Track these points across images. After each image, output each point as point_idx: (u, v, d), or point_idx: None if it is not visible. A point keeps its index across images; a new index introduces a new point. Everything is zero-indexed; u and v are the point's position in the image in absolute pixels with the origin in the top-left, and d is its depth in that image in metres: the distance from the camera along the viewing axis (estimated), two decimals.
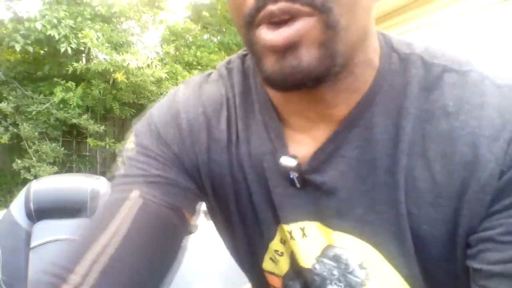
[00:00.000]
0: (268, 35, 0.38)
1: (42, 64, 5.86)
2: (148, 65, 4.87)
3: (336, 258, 0.49)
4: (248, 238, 0.56)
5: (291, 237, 0.51)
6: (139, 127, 0.56)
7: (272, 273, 0.58)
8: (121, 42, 5.31)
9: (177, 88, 0.58)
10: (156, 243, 0.48)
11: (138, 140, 0.53)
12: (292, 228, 0.51)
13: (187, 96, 0.55)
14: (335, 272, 0.50)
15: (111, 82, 5.23)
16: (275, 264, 0.57)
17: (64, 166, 5.66)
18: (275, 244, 0.55)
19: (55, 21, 4.52)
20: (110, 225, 0.46)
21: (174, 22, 7.86)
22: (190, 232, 0.54)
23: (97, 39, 4.61)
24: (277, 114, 0.51)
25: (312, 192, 0.49)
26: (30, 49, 4.68)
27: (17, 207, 1.46)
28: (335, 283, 0.50)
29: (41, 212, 1.45)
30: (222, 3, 8.48)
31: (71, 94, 4.98)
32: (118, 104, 5.54)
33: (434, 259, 0.45)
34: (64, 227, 1.46)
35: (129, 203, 0.47)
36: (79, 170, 5.91)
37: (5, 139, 4.69)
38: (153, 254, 0.47)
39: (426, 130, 0.44)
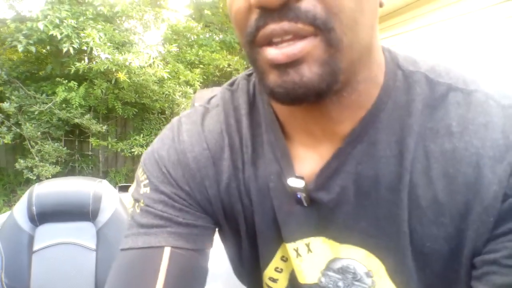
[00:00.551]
0: (271, 53, 0.39)
1: (44, 64, 5.88)
2: (150, 65, 4.87)
3: (342, 270, 0.50)
4: (253, 257, 0.58)
5: (298, 254, 0.52)
6: (150, 168, 0.56)
7: None
8: (123, 42, 5.31)
9: (179, 123, 0.58)
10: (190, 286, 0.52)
11: (152, 185, 0.54)
12: (298, 245, 0.52)
13: (190, 134, 0.56)
14: (340, 283, 0.51)
15: (113, 81, 5.23)
16: (274, 282, 0.58)
17: (66, 165, 5.68)
18: (276, 261, 0.56)
19: (57, 21, 4.52)
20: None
21: (175, 20, 7.87)
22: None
23: (99, 39, 4.61)
24: (283, 131, 0.51)
25: (318, 208, 0.50)
26: (33, 49, 4.68)
27: (19, 210, 1.46)
28: None
29: (43, 215, 1.46)
30: (224, 1, 8.47)
31: (73, 94, 4.99)
32: (120, 104, 5.54)
33: (438, 277, 0.46)
34: (67, 231, 1.47)
35: (164, 264, 0.50)
36: (81, 170, 5.93)
37: (8, 139, 4.70)
38: None
39: (430, 148, 0.44)
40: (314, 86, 0.38)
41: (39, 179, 4.95)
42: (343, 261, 0.50)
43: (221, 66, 6.75)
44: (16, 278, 1.40)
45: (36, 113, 4.99)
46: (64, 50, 4.57)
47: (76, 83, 5.10)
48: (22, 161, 4.82)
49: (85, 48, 4.65)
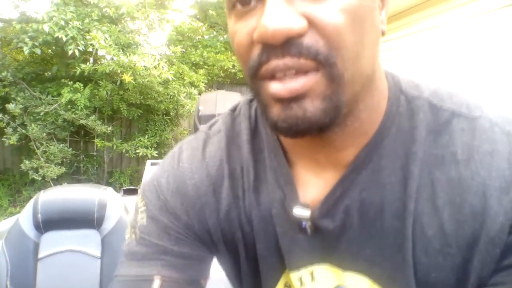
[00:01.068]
0: (273, 87, 0.39)
1: (50, 65, 5.90)
2: (155, 67, 4.87)
3: None
4: (253, 282, 0.57)
5: (302, 283, 0.51)
6: (148, 196, 0.55)
7: None
8: (129, 43, 5.33)
9: (180, 150, 0.58)
10: None
11: (149, 213, 0.54)
12: (302, 273, 0.51)
13: (191, 161, 0.55)
14: None
15: (118, 83, 5.24)
16: None
17: (71, 166, 5.70)
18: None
19: (62, 22, 4.53)
20: None
21: (180, 21, 7.87)
22: None
23: (104, 41, 4.62)
24: (287, 157, 0.51)
25: (322, 236, 0.49)
26: (38, 51, 4.70)
27: (25, 218, 1.47)
28: None
29: (49, 223, 1.46)
30: None
31: (78, 95, 5.00)
32: (125, 105, 5.55)
33: None
34: (72, 238, 1.47)
35: None
36: (86, 170, 5.95)
37: (13, 139, 4.73)
38: None
39: (435, 176, 0.44)
40: (317, 121, 0.39)
41: (44, 180, 4.97)
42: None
43: (225, 67, 6.75)
44: (21, 286, 1.41)
45: (41, 114, 5.01)
46: (70, 52, 4.58)
47: (82, 85, 5.12)
48: (27, 162, 4.85)
49: (91, 49, 4.66)
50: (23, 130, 4.89)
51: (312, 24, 0.37)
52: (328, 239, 0.49)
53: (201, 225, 0.53)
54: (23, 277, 1.42)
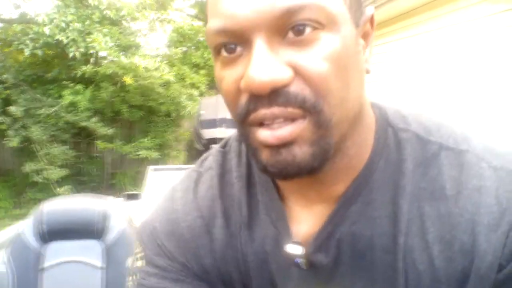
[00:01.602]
0: (262, 134, 0.39)
1: (51, 67, 5.91)
2: (156, 68, 4.88)
3: None
4: None
5: None
6: (145, 240, 0.55)
7: None
8: (129, 45, 5.33)
9: (174, 191, 0.57)
10: None
11: (147, 258, 0.54)
12: None
13: (183, 202, 0.55)
14: None
15: (119, 85, 5.25)
16: None
17: (73, 167, 5.71)
18: None
19: (63, 24, 4.54)
20: None
21: (181, 20, 7.86)
22: None
23: (105, 43, 4.63)
24: (279, 192, 0.51)
25: (316, 270, 0.49)
26: (39, 52, 4.71)
27: (28, 228, 1.48)
28: None
29: (52, 233, 1.47)
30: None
31: (80, 97, 5.01)
32: (127, 107, 5.56)
33: None
34: (75, 249, 1.48)
35: None
36: (88, 172, 5.96)
37: (15, 142, 4.74)
38: None
39: (425, 210, 0.44)
40: (306, 165, 0.40)
41: (46, 181, 4.99)
42: None
43: None
44: None
45: (43, 116, 5.03)
46: (71, 55, 4.59)
47: (83, 86, 5.13)
48: (31, 164, 4.86)
49: (92, 52, 4.67)
50: (25, 133, 4.91)
51: (298, 72, 0.38)
52: (322, 273, 0.49)
53: (198, 265, 0.53)
54: (27, 287, 1.43)
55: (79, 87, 5.10)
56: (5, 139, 4.85)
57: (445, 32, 3.26)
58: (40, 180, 4.88)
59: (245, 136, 0.42)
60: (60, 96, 5.16)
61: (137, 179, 6.06)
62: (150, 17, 5.81)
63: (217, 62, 0.42)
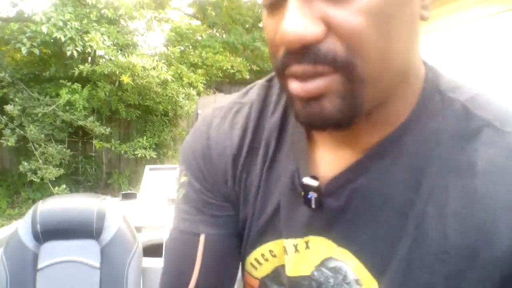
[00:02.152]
0: (293, 87, 0.40)
1: (48, 65, 5.88)
2: (153, 68, 4.86)
3: (335, 270, 0.51)
4: (244, 245, 0.62)
5: (296, 250, 0.54)
6: (185, 160, 0.62)
7: (250, 274, 0.63)
8: (127, 44, 5.31)
9: (212, 116, 0.62)
10: (225, 270, 0.61)
11: (187, 175, 0.61)
12: (298, 242, 0.53)
13: (218, 130, 0.59)
14: (331, 280, 0.51)
15: (116, 84, 5.23)
16: (255, 268, 0.61)
17: (70, 167, 5.69)
18: (263, 249, 0.59)
19: (60, 23, 4.52)
20: (194, 269, 0.57)
21: (179, 19, 7.84)
22: None
23: (103, 42, 4.61)
24: (309, 134, 0.53)
25: (324, 212, 0.50)
26: (36, 51, 4.68)
27: (24, 228, 1.47)
28: None
29: (48, 233, 1.46)
30: (227, 1, 8.44)
31: (77, 96, 4.99)
32: (124, 106, 5.54)
33: None
34: (71, 249, 1.47)
35: (201, 248, 0.57)
36: (85, 171, 5.94)
37: (11, 141, 4.71)
38: (225, 275, 0.61)
39: (451, 183, 0.43)
40: (333, 119, 0.40)
41: (42, 181, 4.96)
42: (337, 262, 0.50)
43: (224, 68, 6.74)
44: None
45: (39, 115, 5.01)
46: (68, 53, 4.57)
47: (80, 85, 5.11)
48: (25, 163, 4.84)
49: (89, 50, 4.65)
50: (21, 132, 4.88)
51: (331, 28, 0.37)
52: (329, 216, 0.50)
53: (225, 189, 0.58)
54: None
55: (76, 86, 5.07)
56: (1, 138, 4.82)
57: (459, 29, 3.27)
58: (36, 180, 4.86)
59: (283, 87, 0.44)
60: (57, 95, 5.13)
61: (134, 179, 6.05)
62: (147, 16, 5.79)
63: (264, 9, 0.43)
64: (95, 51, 4.68)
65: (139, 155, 5.42)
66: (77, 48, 4.57)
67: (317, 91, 0.39)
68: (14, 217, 5.00)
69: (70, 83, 5.10)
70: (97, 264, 1.46)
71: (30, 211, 1.49)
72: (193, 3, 8.75)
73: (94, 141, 5.51)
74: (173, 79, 5.32)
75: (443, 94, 0.46)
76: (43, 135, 5.00)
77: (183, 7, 8.98)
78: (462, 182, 0.42)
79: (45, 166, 4.90)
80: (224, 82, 7.88)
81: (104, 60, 5.22)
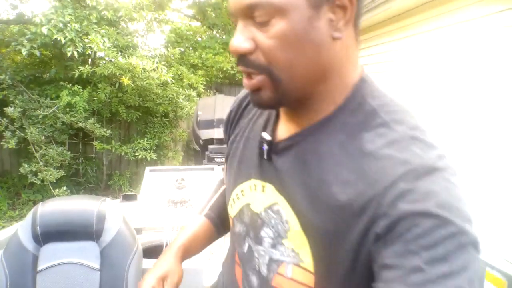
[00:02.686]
0: (244, 82, 0.64)
1: (48, 67, 5.89)
2: (154, 69, 4.86)
3: (277, 212, 0.68)
4: (228, 186, 0.85)
5: (255, 189, 0.74)
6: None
7: (230, 216, 0.85)
8: (127, 45, 5.31)
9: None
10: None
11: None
12: (257, 183, 0.73)
13: (241, 94, 0.90)
14: (272, 221, 0.69)
15: (117, 85, 5.23)
16: (231, 208, 0.82)
17: (70, 168, 5.69)
18: (239, 189, 0.79)
19: (61, 25, 4.52)
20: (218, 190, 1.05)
21: (179, 20, 7.84)
22: None
23: (103, 44, 4.61)
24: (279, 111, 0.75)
25: (272, 166, 0.70)
26: (37, 53, 4.68)
27: (24, 230, 1.46)
28: (269, 228, 0.69)
29: (47, 235, 1.46)
30: (227, 1, 8.43)
31: (77, 98, 4.99)
32: (124, 107, 5.54)
33: (323, 246, 0.61)
34: (71, 250, 1.47)
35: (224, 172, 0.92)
36: (85, 173, 5.94)
37: (12, 143, 4.71)
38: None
39: (347, 159, 0.59)
40: (267, 104, 0.63)
41: (43, 183, 4.96)
42: (279, 207, 0.67)
43: (224, 69, 6.74)
44: None
45: (40, 117, 5.01)
46: (68, 54, 4.57)
47: (80, 87, 5.11)
48: (26, 165, 4.84)
49: (89, 52, 4.65)
50: (22, 134, 4.88)
51: (257, 45, 0.58)
52: (274, 169, 0.69)
53: (229, 124, 0.89)
54: None
55: (76, 88, 5.07)
56: (2, 140, 4.82)
57: (439, 34, 3.26)
58: (37, 182, 4.86)
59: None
60: (58, 97, 5.13)
61: (134, 180, 6.05)
62: (147, 17, 5.79)
63: None
64: (95, 52, 4.68)
65: (140, 156, 5.42)
66: (77, 50, 4.57)
67: (255, 87, 0.61)
68: (15, 219, 5.00)
69: (70, 85, 5.10)
70: (97, 266, 1.46)
71: (30, 213, 1.49)
72: (193, 4, 8.75)
73: (95, 143, 5.52)
74: (173, 80, 5.32)
75: (364, 98, 0.63)
76: (43, 137, 5.00)
77: (183, 9, 8.98)
78: (355, 159, 0.58)
79: (46, 168, 4.89)
80: (224, 83, 7.88)
81: (104, 61, 5.21)
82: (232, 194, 0.80)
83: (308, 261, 0.63)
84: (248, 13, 0.57)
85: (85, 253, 1.47)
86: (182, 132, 6.50)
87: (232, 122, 0.86)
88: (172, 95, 5.52)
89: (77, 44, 4.55)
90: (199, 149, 5.27)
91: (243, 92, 0.87)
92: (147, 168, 2.48)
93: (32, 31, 4.54)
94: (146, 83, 4.96)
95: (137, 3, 5.37)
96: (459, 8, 3.07)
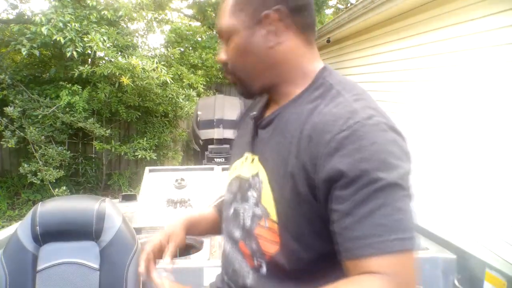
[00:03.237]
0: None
1: (48, 67, 5.89)
2: (154, 69, 4.86)
3: (258, 178, 0.82)
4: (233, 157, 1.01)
5: (245, 161, 0.90)
6: None
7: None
8: (127, 45, 5.31)
9: None
10: None
11: None
12: (248, 156, 0.89)
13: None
14: (257, 185, 0.82)
15: (116, 85, 5.23)
16: (231, 175, 0.98)
17: (70, 168, 5.69)
18: (233, 167, 0.96)
19: (61, 24, 4.52)
20: None
21: (178, 21, 7.83)
22: None
23: (102, 43, 4.61)
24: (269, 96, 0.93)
25: (257, 139, 0.88)
26: (36, 52, 4.68)
27: (23, 230, 1.46)
28: (254, 190, 0.83)
29: (47, 235, 1.46)
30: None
31: (77, 97, 4.99)
32: (124, 107, 5.54)
33: (282, 200, 0.76)
34: (70, 250, 1.47)
35: None
36: (85, 173, 5.94)
37: (11, 143, 4.71)
38: None
39: (311, 117, 0.74)
40: (243, 94, 0.88)
41: (43, 182, 4.96)
42: (260, 173, 0.82)
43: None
44: None
45: (39, 117, 5.01)
46: (68, 54, 4.57)
47: (80, 87, 5.10)
48: (26, 165, 4.83)
49: (89, 52, 4.65)
50: (22, 133, 4.88)
51: (226, 56, 0.85)
52: (259, 141, 0.87)
53: (238, 122, 1.08)
54: None
55: (76, 87, 5.07)
56: (1, 140, 4.82)
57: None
58: (37, 181, 4.86)
59: None
60: (57, 97, 5.14)
61: (134, 180, 6.05)
62: (147, 17, 5.80)
63: None
64: (95, 52, 4.68)
65: (139, 156, 5.42)
66: (77, 50, 4.57)
67: (233, 83, 0.89)
68: (14, 218, 5.00)
69: (70, 84, 5.10)
70: (97, 266, 1.45)
71: (30, 213, 1.48)
72: (193, 4, 8.75)
73: (94, 143, 5.52)
74: (173, 80, 5.32)
75: (325, 79, 0.80)
76: (43, 137, 5.00)
77: (183, 9, 8.98)
78: (312, 119, 0.73)
79: (45, 167, 4.89)
80: (224, 83, 7.88)
81: (104, 61, 5.21)
82: (228, 175, 0.98)
83: (273, 214, 0.77)
84: (221, 36, 0.86)
85: (84, 253, 1.47)
86: (182, 132, 6.50)
87: (240, 120, 1.07)
88: (172, 95, 5.52)
89: (77, 44, 4.55)
90: (199, 149, 5.27)
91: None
92: (147, 168, 2.48)
93: (32, 31, 4.54)
94: (146, 83, 4.96)
95: (137, 3, 5.38)
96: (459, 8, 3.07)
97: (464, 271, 1.58)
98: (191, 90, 5.93)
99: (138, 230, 1.93)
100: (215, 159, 4.80)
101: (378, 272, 0.59)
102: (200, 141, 5.14)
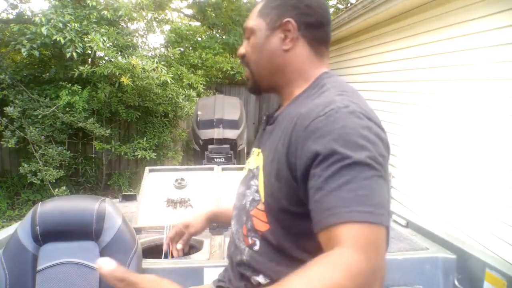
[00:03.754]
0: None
1: (48, 67, 5.89)
2: (154, 69, 4.86)
3: (259, 168, 0.92)
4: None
5: (252, 154, 1.02)
6: None
7: None
8: (127, 45, 5.31)
9: None
10: None
11: None
12: (255, 150, 1.00)
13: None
14: (257, 174, 0.92)
15: (116, 85, 5.23)
16: (244, 170, 1.07)
17: (70, 168, 5.69)
18: (251, 157, 1.04)
19: (60, 25, 4.52)
20: None
21: (179, 20, 7.83)
22: None
23: (103, 43, 4.61)
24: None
25: (264, 135, 0.98)
26: (36, 53, 4.68)
27: (23, 230, 1.46)
28: (256, 179, 0.91)
29: (47, 235, 1.46)
30: (227, 2, 8.44)
31: (77, 97, 4.99)
32: (124, 107, 5.54)
33: (271, 185, 0.85)
34: (70, 250, 1.46)
35: None
36: (85, 172, 5.94)
37: (11, 143, 4.71)
38: None
39: (297, 116, 0.82)
40: (251, 89, 1.02)
41: (42, 182, 4.96)
42: (260, 164, 0.92)
43: (224, 69, 6.74)
44: None
45: (39, 117, 5.00)
46: (68, 55, 4.57)
47: (80, 87, 5.10)
48: (26, 165, 4.83)
49: (89, 52, 4.65)
50: (21, 133, 4.88)
51: (246, 51, 0.99)
52: (265, 136, 0.97)
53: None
54: None
55: (76, 87, 5.07)
56: (1, 139, 4.82)
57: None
58: (37, 181, 4.85)
59: None
60: (57, 97, 5.13)
61: (134, 180, 6.05)
62: (147, 17, 5.79)
63: None
64: (95, 52, 4.67)
65: (139, 156, 5.42)
66: (77, 50, 4.57)
67: (246, 77, 1.02)
68: (14, 218, 5.00)
69: (70, 84, 5.10)
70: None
71: (30, 213, 1.48)
72: (193, 4, 8.75)
73: (94, 143, 5.52)
74: (173, 81, 5.32)
75: (323, 81, 0.89)
76: (43, 137, 5.00)
77: (183, 8, 8.98)
78: (300, 110, 0.81)
79: (45, 167, 4.89)
80: (224, 83, 7.88)
81: (104, 61, 5.21)
82: (243, 171, 1.10)
83: (263, 197, 0.87)
84: (245, 33, 0.99)
85: (84, 253, 1.46)
86: (182, 132, 6.50)
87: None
88: (172, 95, 5.52)
89: (76, 45, 4.55)
90: (199, 149, 5.27)
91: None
92: (147, 168, 2.48)
93: (32, 31, 4.54)
94: (146, 83, 4.96)
95: (137, 3, 5.38)
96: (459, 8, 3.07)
97: (464, 271, 1.58)
98: (191, 90, 5.93)
99: (138, 230, 1.93)
100: (215, 159, 4.79)
101: (345, 242, 0.61)
102: (200, 141, 5.14)
